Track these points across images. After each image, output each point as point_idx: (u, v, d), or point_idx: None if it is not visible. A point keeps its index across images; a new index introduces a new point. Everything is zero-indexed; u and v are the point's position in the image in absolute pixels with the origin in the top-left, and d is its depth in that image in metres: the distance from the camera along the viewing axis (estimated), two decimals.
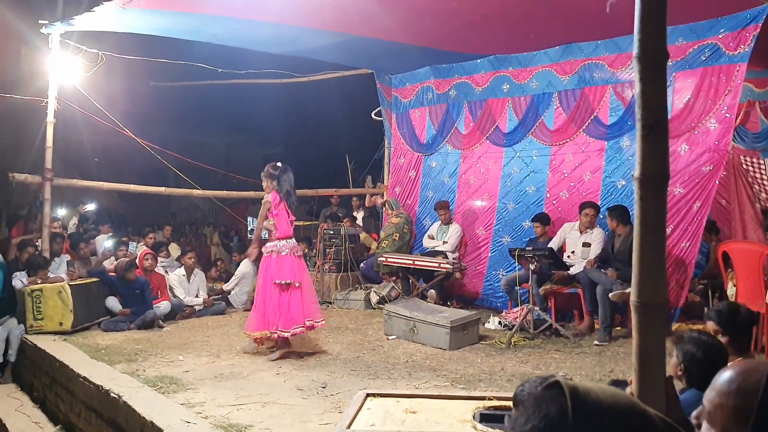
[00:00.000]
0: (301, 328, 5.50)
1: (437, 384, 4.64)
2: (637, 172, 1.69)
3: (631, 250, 5.52)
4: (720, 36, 6.04)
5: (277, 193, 5.64)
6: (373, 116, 10.07)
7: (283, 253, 5.57)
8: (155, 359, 5.45)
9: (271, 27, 6.80)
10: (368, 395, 2.71)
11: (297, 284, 5.56)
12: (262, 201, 5.73)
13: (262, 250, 5.72)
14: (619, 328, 6.15)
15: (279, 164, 5.79)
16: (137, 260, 7.52)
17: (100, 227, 9.75)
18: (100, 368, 5.00)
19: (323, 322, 5.80)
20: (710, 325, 2.96)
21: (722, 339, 2.88)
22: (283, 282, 5.50)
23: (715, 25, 6.07)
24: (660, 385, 1.75)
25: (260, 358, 5.54)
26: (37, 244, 7.26)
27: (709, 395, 1.31)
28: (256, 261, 6.33)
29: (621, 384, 2.04)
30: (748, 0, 5.59)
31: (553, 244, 6.85)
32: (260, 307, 5.53)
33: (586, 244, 6.56)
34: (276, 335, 5.45)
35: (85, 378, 4.70)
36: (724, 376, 1.32)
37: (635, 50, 1.70)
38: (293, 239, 5.76)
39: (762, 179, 7.53)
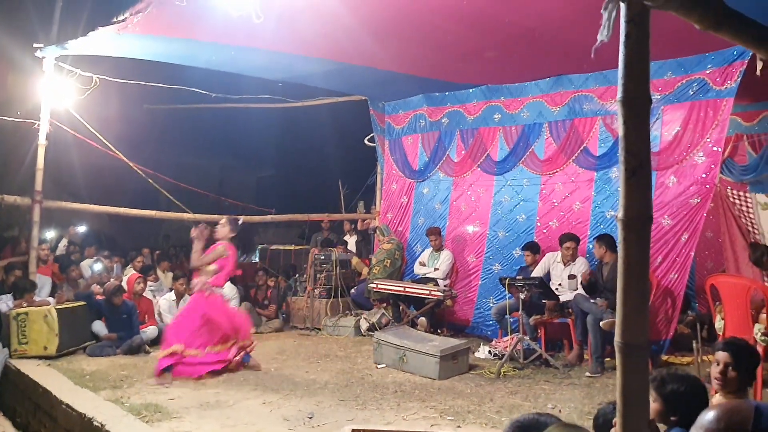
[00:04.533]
0: None
1: (425, 415, 4.60)
2: (620, 214, 1.71)
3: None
4: (707, 71, 6.15)
5: (234, 248, 6.08)
6: (366, 142, 10.14)
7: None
8: (140, 386, 5.39)
9: (266, 54, 6.86)
10: (353, 431, 2.69)
11: None
12: (218, 249, 5.97)
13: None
14: (608, 359, 6.14)
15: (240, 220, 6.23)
16: (127, 284, 7.47)
17: (86, 249, 9.66)
18: (83, 395, 4.92)
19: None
20: (721, 356, 2.90)
21: (731, 373, 2.85)
22: None
23: (703, 60, 6.17)
24: (644, 425, 1.75)
25: (246, 386, 5.48)
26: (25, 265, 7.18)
27: None
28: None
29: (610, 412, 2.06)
30: None
31: (537, 273, 6.87)
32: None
33: (572, 276, 6.59)
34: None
35: (68, 405, 4.63)
36: (709, 415, 1.33)
37: (619, 94, 1.73)
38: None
39: (748, 212, 7.60)
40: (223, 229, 6.00)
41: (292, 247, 11.77)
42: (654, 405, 2.62)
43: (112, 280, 7.86)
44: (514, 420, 1.84)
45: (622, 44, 1.73)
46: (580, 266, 6.63)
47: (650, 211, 1.72)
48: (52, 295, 7.23)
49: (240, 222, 6.15)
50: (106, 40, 6.16)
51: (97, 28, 5.78)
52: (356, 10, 5.50)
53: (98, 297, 7.13)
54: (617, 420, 1.76)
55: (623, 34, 1.73)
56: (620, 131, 1.72)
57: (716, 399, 2.87)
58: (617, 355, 1.75)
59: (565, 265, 6.75)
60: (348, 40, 6.27)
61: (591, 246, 6.82)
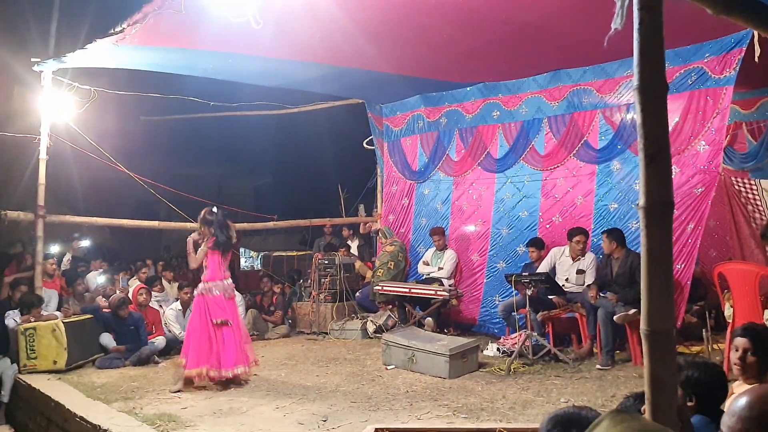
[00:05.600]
0: (242, 368, 5.70)
1: (439, 414, 4.60)
2: (641, 201, 1.71)
3: (630, 272, 5.54)
4: (705, 60, 6.16)
5: (214, 240, 5.88)
6: (364, 145, 10.14)
7: (214, 294, 5.79)
8: (152, 396, 5.37)
9: (263, 61, 6.86)
10: (377, 430, 2.68)
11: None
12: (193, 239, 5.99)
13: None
14: (618, 351, 6.15)
15: (215, 209, 6.08)
16: (131, 295, 7.46)
17: (92, 263, 9.64)
18: (96, 407, 4.92)
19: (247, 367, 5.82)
20: (740, 342, 2.90)
21: (750, 359, 2.85)
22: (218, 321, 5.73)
23: (700, 49, 6.19)
24: (673, 412, 1.74)
25: (258, 392, 5.48)
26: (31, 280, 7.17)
27: (729, 421, 1.32)
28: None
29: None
30: (733, 24, 5.69)
31: (543, 269, 6.86)
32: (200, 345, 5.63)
33: (581, 272, 6.58)
34: (214, 374, 5.55)
35: (81, 418, 4.62)
36: (742, 401, 1.33)
37: (635, 81, 1.73)
38: (223, 281, 5.90)
39: (755, 199, 7.61)
40: (201, 229, 5.98)
41: (294, 253, 11.78)
42: None
43: (117, 292, 7.84)
44: (552, 414, 1.82)
45: (636, 31, 1.73)
46: (589, 262, 6.62)
47: (671, 197, 1.72)
48: (59, 309, 7.21)
49: (212, 211, 6.04)
50: (104, 52, 6.15)
51: (95, 41, 5.77)
52: (352, 12, 5.50)
53: (105, 309, 7.11)
54: (646, 407, 1.75)
55: (637, 22, 1.74)
56: (638, 118, 1.73)
57: (736, 385, 2.87)
58: (644, 342, 1.75)
59: (573, 259, 6.74)
60: (345, 44, 6.27)
61: (596, 240, 6.80)
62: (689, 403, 2.66)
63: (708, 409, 2.53)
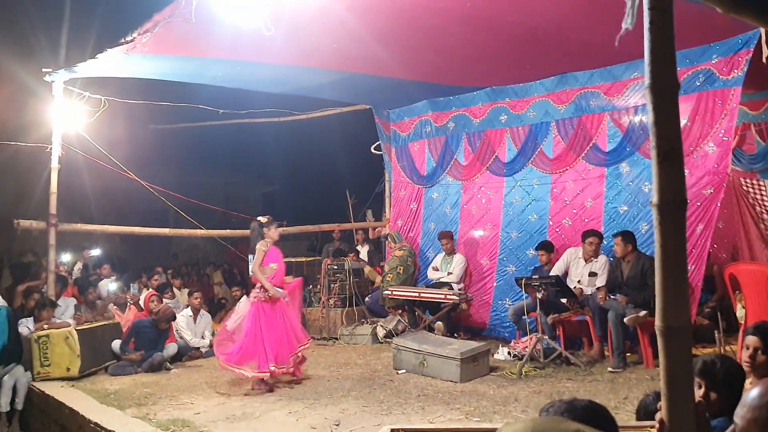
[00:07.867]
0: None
1: (451, 418, 4.60)
2: (655, 199, 1.72)
3: (641, 275, 5.51)
4: (713, 61, 6.16)
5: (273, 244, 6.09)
6: (372, 150, 10.18)
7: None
8: (165, 402, 5.40)
9: (271, 68, 6.92)
10: (392, 431, 2.69)
11: None
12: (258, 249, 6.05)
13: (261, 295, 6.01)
14: (629, 353, 6.13)
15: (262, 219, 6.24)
16: (142, 303, 7.50)
17: (101, 268, 9.70)
18: (110, 414, 4.95)
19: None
20: (751, 341, 2.89)
21: (760, 357, 2.84)
22: None
23: (708, 50, 6.19)
24: (690, 409, 1.75)
25: (270, 397, 5.50)
26: (43, 290, 7.23)
27: (741, 412, 1.34)
28: None
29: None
30: (741, 25, 5.69)
31: (558, 269, 6.85)
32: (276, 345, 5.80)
33: (593, 274, 6.56)
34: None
35: (96, 424, 4.65)
36: (753, 392, 1.35)
37: (646, 81, 1.75)
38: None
39: (763, 200, 7.59)
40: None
41: (303, 259, 11.78)
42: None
43: (128, 299, 7.89)
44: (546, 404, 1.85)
45: (647, 31, 1.75)
46: (601, 264, 6.59)
47: (684, 194, 1.73)
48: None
49: (260, 221, 6.19)
50: (115, 62, 6.22)
51: (105, 50, 5.84)
52: (361, 17, 5.55)
53: (117, 317, 7.16)
54: (662, 404, 1.76)
55: (647, 21, 1.75)
56: (650, 117, 1.75)
57: (748, 384, 2.86)
58: (659, 339, 1.75)
59: (586, 261, 6.72)
60: (354, 49, 6.32)
61: (605, 242, 6.78)
62: (712, 395, 2.64)
63: (730, 407, 2.51)
